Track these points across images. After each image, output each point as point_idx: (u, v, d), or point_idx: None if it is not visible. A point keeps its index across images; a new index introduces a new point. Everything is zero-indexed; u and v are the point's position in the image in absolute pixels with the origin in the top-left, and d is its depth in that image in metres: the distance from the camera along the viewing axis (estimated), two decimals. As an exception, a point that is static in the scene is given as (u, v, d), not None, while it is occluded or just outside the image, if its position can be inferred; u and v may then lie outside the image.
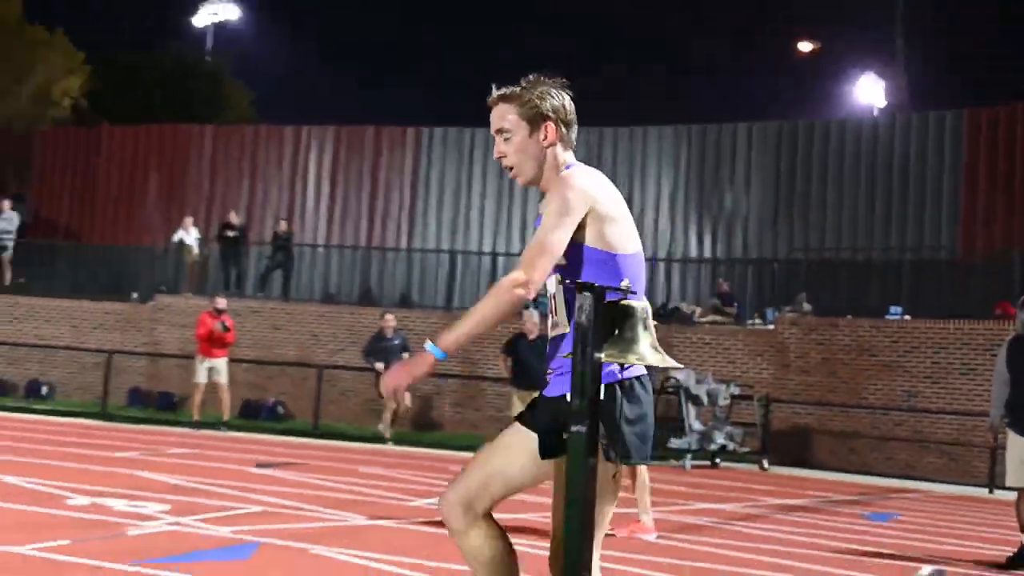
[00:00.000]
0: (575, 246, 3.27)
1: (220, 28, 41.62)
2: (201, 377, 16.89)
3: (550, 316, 3.44)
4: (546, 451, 3.30)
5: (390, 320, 17.45)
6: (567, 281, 3.26)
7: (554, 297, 3.39)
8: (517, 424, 3.45)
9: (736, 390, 17.29)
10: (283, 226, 24.03)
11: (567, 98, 3.41)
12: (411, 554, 7.01)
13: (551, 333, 3.45)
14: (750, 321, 20.56)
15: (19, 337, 22.94)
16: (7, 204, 24.84)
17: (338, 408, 20.27)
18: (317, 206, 26.97)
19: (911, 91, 34.05)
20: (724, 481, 14.41)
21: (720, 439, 16.53)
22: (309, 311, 21.70)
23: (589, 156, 25.51)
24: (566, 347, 3.29)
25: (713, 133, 25.08)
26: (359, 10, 71.21)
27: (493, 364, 20.19)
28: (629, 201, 25.00)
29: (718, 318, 20.62)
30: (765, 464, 16.84)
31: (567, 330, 3.32)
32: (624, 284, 3.12)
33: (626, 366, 3.26)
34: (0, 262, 24.56)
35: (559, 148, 3.40)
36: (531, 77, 3.42)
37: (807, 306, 20.15)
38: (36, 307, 23.32)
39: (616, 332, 3.09)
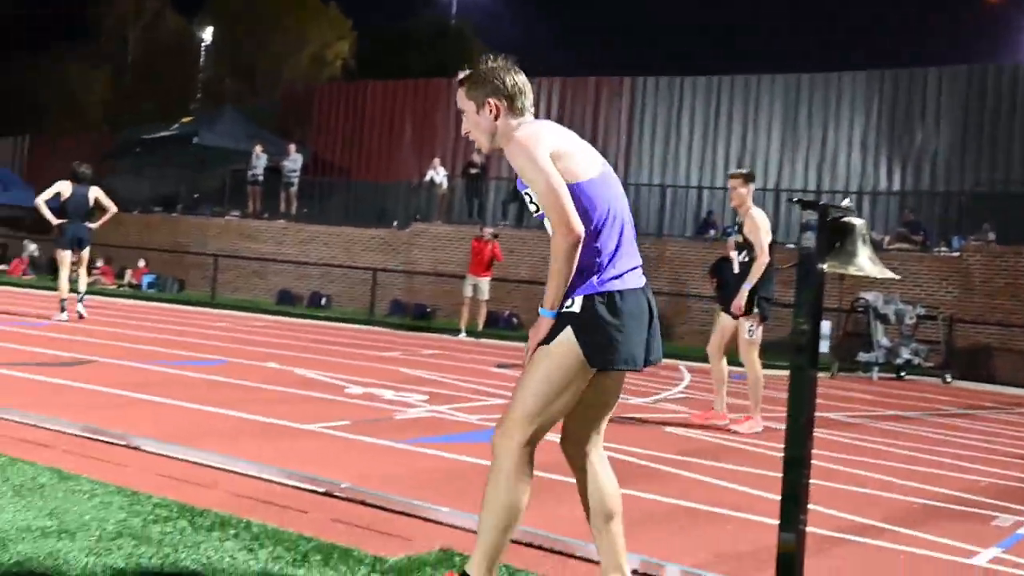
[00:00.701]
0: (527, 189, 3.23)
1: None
2: (467, 292, 17.37)
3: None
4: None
5: None
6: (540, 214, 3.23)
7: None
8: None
9: (921, 311, 16.48)
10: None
11: (509, 75, 3.35)
12: (627, 443, 7.02)
13: None
14: (936, 249, 19.49)
15: (304, 257, 24.21)
16: (293, 148, 26.00)
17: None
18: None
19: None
20: (908, 391, 13.82)
21: (906, 354, 15.83)
22: (539, 237, 21.89)
23: (787, 100, 24.58)
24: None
25: (904, 79, 23.66)
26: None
27: (697, 283, 19.97)
28: (823, 141, 24.21)
29: (905, 245, 19.63)
30: (948, 378, 16.03)
31: None
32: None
33: (606, 279, 3.15)
34: (288, 196, 25.79)
35: (508, 118, 3.35)
36: (484, 58, 3.40)
37: (992, 235, 18.92)
38: (317, 233, 24.49)
39: (838, 245, 2.97)
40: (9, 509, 3.91)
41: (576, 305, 3.15)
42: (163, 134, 29.78)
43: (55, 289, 14.95)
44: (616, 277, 3.19)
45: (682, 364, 15.20)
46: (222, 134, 28.29)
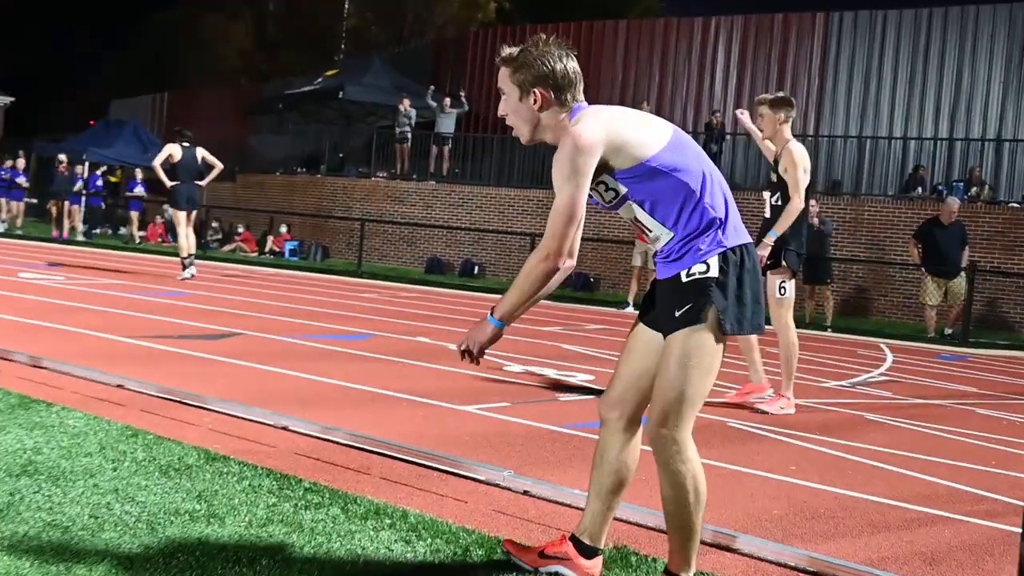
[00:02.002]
0: (621, 177, 3.27)
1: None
2: (636, 261, 17.33)
3: (639, 243, 3.49)
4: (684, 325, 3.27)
5: (813, 207, 16.83)
6: (636, 200, 3.30)
7: (636, 221, 3.38)
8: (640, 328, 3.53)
9: None
10: (717, 118, 23.75)
11: (560, 62, 3.33)
12: (823, 432, 6.88)
13: (654, 247, 3.42)
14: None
15: (455, 222, 24.60)
16: (448, 102, 26.37)
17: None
18: (724, 96, 26.57)
19: None
20: None
21: None
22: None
23: (1012, 32, 23.36)
24: (671, 245, 3.31)
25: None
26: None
27: (900, 250, 19.30)
28: (958, 83, 22.98)
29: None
30: None
31: (669, 236, 3.31)
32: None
33: (730, 233, 3.29)
34: (441, 154, 26.23)
35: (555, 110, 3.35)
36: (536, 39, 3.37)
37: None
38: (469, 195, 24.83)
39: None
40: (157, 491, 4.13)
41: (712, 268, 3.24)
42: (306, 89, 30.69)
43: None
44: (736, 231, 3.33)
45: (883, 343, 14.76)
46: (369, 87, 28.94)
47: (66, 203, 27.27)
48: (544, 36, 3.42)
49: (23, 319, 9.25)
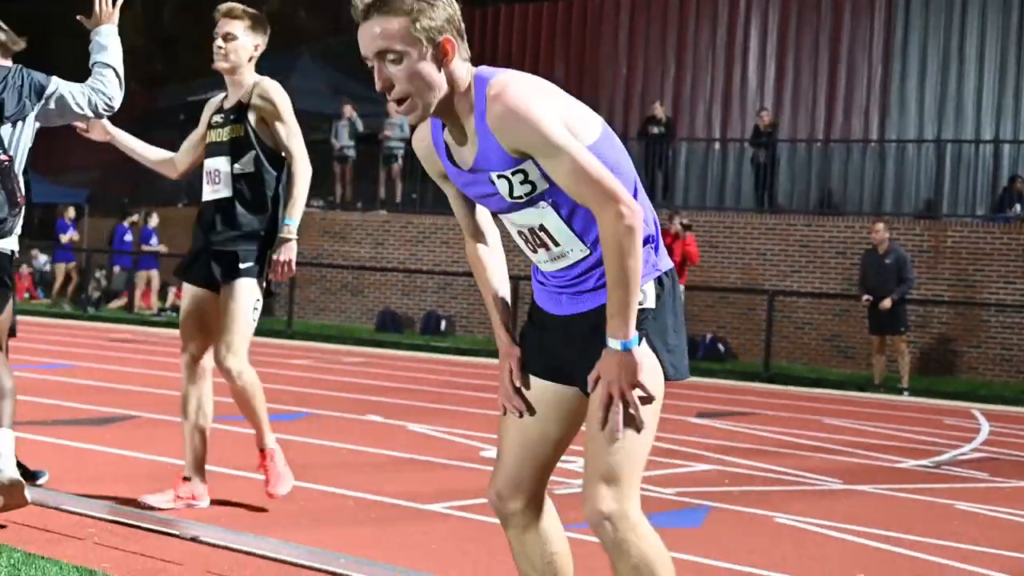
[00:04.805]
0: (543, 167, 3.22)
1: None
2: None
3: (540, 252, 3.43)
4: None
5: (880, 231, 16.85)
6: (551, 201, 3.28)
7: (541, 229, 3.35)
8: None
9: None
10: (765, 118, 23.79)
11: (449, 4, 3.28)
12: (896, 527, 6.89)
13: (555, 267, 3.42)
14: None
15: (415, 263, 24.56)
16: (393, 106, 26.47)
17: (791, 345, 20.25)
18: (760, 89, 26.75)
19: None
20: None
21: None
22: (753, 223, 21.69)
23: (1007, 12, 23.72)
24: (586, 267, 3.34)
25: None
26: None
27: (995, 285, 19.37)
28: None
29: None
30: None
31: (583, 254, 3.32)
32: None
33: (660, 254, 3.36)
34: (391, 176, 26.20)
35: (458, 63, 3.29)
36: None
37: None
38: (432, 227, 24.78)
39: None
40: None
41: (648, 297, 3.28)
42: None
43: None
44: (663, 252, 3.41)
45: (976, 408, 14.80)
46: (297, 91, 29.00)
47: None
48: None
49: None
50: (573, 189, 3.16)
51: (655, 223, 3.36)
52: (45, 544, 5.28)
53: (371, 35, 3.21)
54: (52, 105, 5.97)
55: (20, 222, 5.81)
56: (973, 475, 9.37)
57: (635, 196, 3.25)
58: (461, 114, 3.31)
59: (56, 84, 5.99)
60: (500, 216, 3.44)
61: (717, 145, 25.30)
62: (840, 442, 10.85)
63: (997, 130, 24.29)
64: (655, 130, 24.01)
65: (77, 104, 5.98)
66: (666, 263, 3.36)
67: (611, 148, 3.31)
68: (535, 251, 3.43)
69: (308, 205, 24.99)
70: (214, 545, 5.47)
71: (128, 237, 27.07)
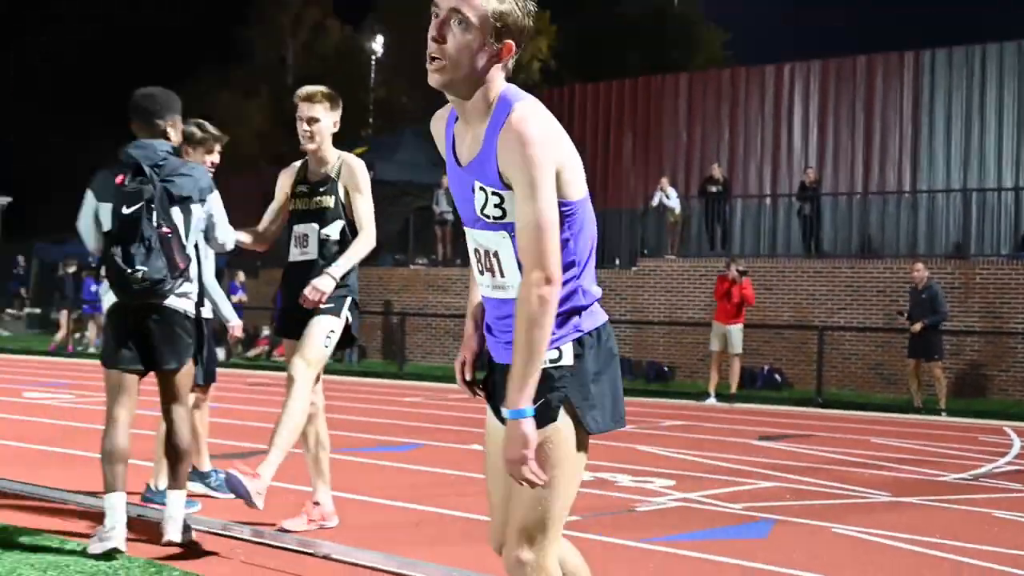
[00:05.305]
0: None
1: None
2: (714, 345, 17.24)
3: (486, 276, 3.18)
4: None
5: (920, 270, 16.76)
6: (513, 236, 3.04)
7: (495, 255, 3.13)
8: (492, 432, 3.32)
9: None
10: (811, 175, 23.62)
11: (530, 18, 3.06)
12: (942, 534, 6.77)
13: (493, 295, 3.20)
14: None
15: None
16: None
17: (840, 374, 20.01)
18: (805, 149, 26.57)
19: None
20: None
21: None
22: (802, 267, 21.49)
23: (1022, 70, 23.26)
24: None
25: None
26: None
27: (1021, 317, 19.07)
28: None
29: None
30: None
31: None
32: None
33: (593, 311, 3.18)
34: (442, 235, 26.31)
35: (500, 73, 3.06)
36: None
37: None
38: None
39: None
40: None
41: (565, 355, 3.10)
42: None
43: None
44: (597, 306, 3.22)
45: (1008, 426, 14.54)
46: (402, 164, 29.35)
47: (69, 312, 27.57)
48: None
49: (28, 444, 9.37)
50: (521, 236, 2.99)
51: (595, 293, 3.20)
52: (202, 564, 5.36)
53: None
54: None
55: (184, 286, 5.76)
56: (1008, 486, 9.19)
57: (586, 261, 3.14)
58: (475, 112, 3.08)
59: (213, 202, 5.94)
60: (465, 228, 3.21)
61: (768, 200, 25.10)
62: (887, 459, 10.69)
63: (1017, 178, 23.95)
64: (713, 189, 24.00)
65: (214, 226, 5.95)
66: (593, 323, 3.16)
67: (587, 211, 3.14)
68: (482, 273, 3.20)
69: (414, 263, 25.18)
70: (344, 562, 5.51)
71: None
